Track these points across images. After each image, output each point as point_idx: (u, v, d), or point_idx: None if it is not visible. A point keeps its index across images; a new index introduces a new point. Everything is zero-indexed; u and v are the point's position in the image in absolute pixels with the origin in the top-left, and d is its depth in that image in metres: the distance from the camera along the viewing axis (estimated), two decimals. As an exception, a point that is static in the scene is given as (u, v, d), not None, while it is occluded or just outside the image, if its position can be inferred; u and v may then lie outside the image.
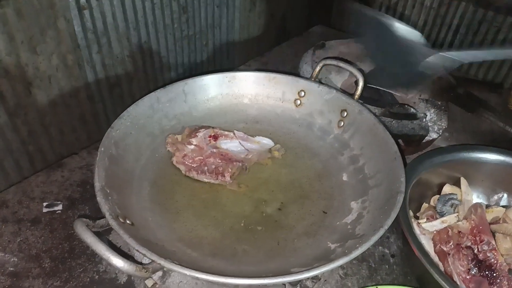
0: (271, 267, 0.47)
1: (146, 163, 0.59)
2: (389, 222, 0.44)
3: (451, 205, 0.67)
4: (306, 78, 0.69)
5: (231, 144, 0.63)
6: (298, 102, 0.68)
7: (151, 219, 0.51)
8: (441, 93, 0.96)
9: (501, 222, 0.67)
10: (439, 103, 0.94)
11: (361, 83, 0.63)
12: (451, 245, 0.59)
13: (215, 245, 0.50)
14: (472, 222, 0.62)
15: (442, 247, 0.60)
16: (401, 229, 0.56)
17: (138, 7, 0.85)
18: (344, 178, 0.59)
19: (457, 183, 0.70)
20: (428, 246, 0.61)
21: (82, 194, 0.72)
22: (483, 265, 0.56)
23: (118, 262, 0.37)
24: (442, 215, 0.65)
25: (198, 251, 0.49)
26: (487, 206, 0.70)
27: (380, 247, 0.68)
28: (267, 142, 0.64)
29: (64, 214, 0.68)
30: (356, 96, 0.64)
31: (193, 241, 0.50)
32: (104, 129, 0.75)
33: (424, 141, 0.84)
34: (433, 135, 0.86)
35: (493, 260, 0.58)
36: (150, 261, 0.40)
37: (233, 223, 0.53)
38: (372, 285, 0.49)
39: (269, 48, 1.24)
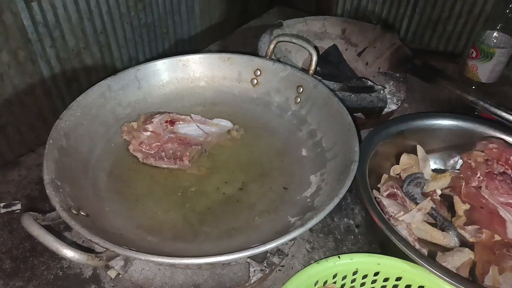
0: (233, 245, 0.47)
1: (101, 153, 0.57)
2: (344, 191, 0.45)
3: (417, 184, 0.68)
4: (261, 57, 0.68)
5: (189, 128, 0.62)
6: (255, 81, 0.68)
7: (108, 209, 0.50)
8: (399, 65, 0.97)
9: (459, 184, 0.69)
10: (398, 75, 0.95)
11: (314, 58, 0.63)
12: (479, 177, 0.58)
13: (176, 229, 0.50)
14: (493, 150, 0.61)
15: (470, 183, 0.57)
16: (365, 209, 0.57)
17: None
18: (303, 153, 0.60)
19: (414, 151, 0.72)
20: (405, 235, 0.61)
21: (41, 191, 0.70)
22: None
23: (67, 252, 0.36)
24: (409, 196, 0.66)
25: (159, 237, 0.48)
26: (444, 171, 0.72)
27: (345, 219, 0.70)
28: (225, 123, 0.64)
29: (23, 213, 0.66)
30: (311, 71, 0.64)
31: (154, 227, 0.50)
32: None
33: (384, 113, 0.86)
34: (392, 107, 0.87)
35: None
36: (104, 249, 0.39)
37: (194, 206, 0.53)
38: (334, 255, 0.50)
39: (231, 31, 1.22)
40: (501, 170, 0.58)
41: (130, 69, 0.64)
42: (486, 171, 0.58)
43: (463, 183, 0.61)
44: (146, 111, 0.65)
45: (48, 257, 0.61)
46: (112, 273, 0.51)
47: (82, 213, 0.45)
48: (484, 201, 0.58)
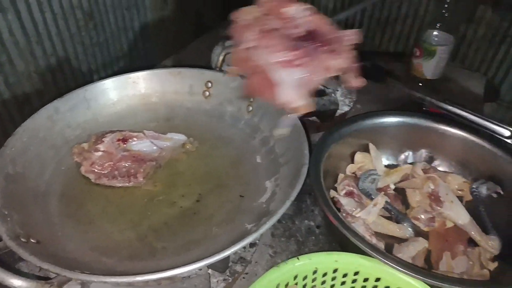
0: (191, 258, 0.47)
1: (51, 177, 0.56)
2: (295, 194, 0.46)
3: (372, 181, 0.71)
4: (211, 69, 0.69)
5: (142, 145, 0.62)
6: (207, 93, 0.69)
7: (61, 233, 0.49)
8: (349, 67, 1.01)
9: (410, 178, 0.72)
10: (349, 77, 0.99)
11: (263, 66, 0.65)
12: (252, 36, 0.44)
13: (132, 247, 0.50)
14: (268, 4, 0.46)
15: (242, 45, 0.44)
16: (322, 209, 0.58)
17: (38, 19, 0.81)
18: (258, 160, 0.61)
19: (367, 150, 0.74)
20: (362, 231, 0.61)
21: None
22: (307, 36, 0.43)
23: (15, 281, 0.36)
24: (365, 193, 0.68)
25: (114, 257, 0.48)
26: (396, 166, 0.76)
27: (306, 221, 0.71)
28: (179, 137, 0.64)
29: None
30: (260, 80, 0.65)
31: (109, 248, 0.49)
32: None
33: (337, 114, 0.89)
34: (345, 108, 0.90)
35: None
36: (55, 275, 0.38)
37: (150, 223, 0.53)
38: (293, 257, 0.51)
39: (186, 44, 1.23)
40: (278, 26, 0.44)
41: (78, 89, 0.64)
42: (260, 28, 0.44)
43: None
44: (97, 130, 0.64)
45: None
46: (70, 298, 0.50)
47: (32, 240, 0.44)
48: (255, 64, 0.45)
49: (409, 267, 0.51)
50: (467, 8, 1.16)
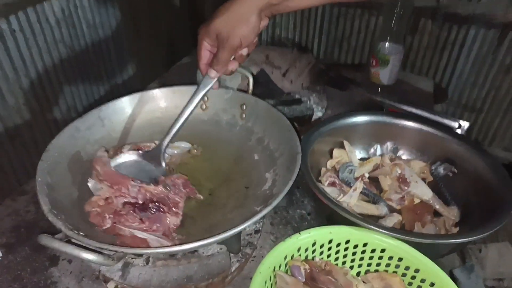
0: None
1: (80, 185, 0.64)
2: (294, 176, 0.57)
3: (350, 171, 0.83)
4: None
5: (154, 153, 0.71)
6: (204, 106, 0.79)
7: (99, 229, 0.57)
8: (317, 79, 1.15)
9: (380, 167, 0.85)
10: (318, 87, 1.13)
11: (251, 80, 0.77)
12: (109, 218, 0.57)
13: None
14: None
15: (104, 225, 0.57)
16: (310, 189, 0.69)
17: (25, 55, 0.88)
18: (256, 157, 0.72)
19: (342, 146, 0.86)
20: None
21: (18, 238, 0.74)
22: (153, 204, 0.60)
23: (87, 255, 0.43)
24: (345, 182, 0.80)
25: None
26: (368, 158, 0.88)
27: (298, 210, 0.82)
28: (185, 145, 0.74)
29: (5, 259, 0.69)
30: (249, 91, 0.77)
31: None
32: (12, 180, 0.76)
33: (313, 119, 1.01)
34: (318, 114, 1.03)
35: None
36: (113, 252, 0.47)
37: (173, 216, 0.62)
38: (296, 233, 0.61)
39: (164, 70, 1.33)
40: (123, 201, 0.60)
41: (94, 110, 0.72)
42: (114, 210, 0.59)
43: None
44: (111, 145, 0.72)
45: (38, 293, 0.65)
46: (111, 285, 0.58)
47: (81, 233, 0.52)
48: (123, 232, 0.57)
49: (391, 230, 0.62)
50: (410, 21, 1.35)
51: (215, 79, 0.63)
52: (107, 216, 0.56)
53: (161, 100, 0.79)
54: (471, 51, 1.51)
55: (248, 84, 0.77)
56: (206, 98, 0.79)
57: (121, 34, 1.29)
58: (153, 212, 0.58)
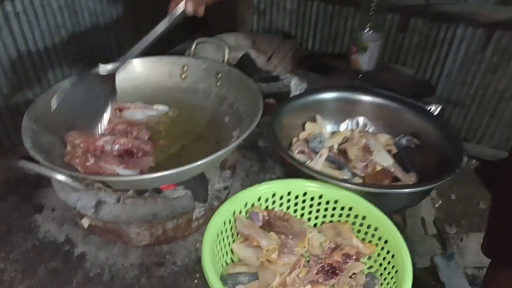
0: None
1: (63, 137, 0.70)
2: (252, 126, 0.63)
3: (319, 141, 0.89)
4: (186, 56, 0.87)
5: (133, 114, 0.78)
6: (183, 75, 0.86)
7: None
8: (299, 63, 1.22)
9: (349, 140, 0.91)
10: (300, 71, 1.19)
11: (226, 51, 0.83)
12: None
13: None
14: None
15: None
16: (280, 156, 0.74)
17: (28, 37, 0.95)
18: (226, 119, 0.78)
19: (315, 120, 0.93)
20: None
21: (8, 189, 0.81)
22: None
23: (59, 176, 0.50)
24: (314, 151, 0.86)
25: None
26: (336, 132, 0.94)
27: (268, 175, 0.88)
28: (162, 108, 0.81)
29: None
30: (225, 61, 0.84)
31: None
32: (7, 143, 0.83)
33: (291, 97, 1.07)
34: (297, 93, 1.10)
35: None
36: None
37: (145, 164, 0.68)
38: (257, 184, 0.67)
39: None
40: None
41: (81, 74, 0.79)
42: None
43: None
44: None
45: (24, 233, 0.72)
46: (85, 222, 0.64)
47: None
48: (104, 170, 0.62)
49: (343, 181, 0.68)
50: (386, 11, 1.41)
51: (189, 11, 0.72)
52: (89, 155, 0.62)
53: (144, 68, 0.86)
54: (459, 49, 1.57)
55: (223, 54, 0.83)
56: (185, 68, 0.86)
57: (121, 24, 1.36)
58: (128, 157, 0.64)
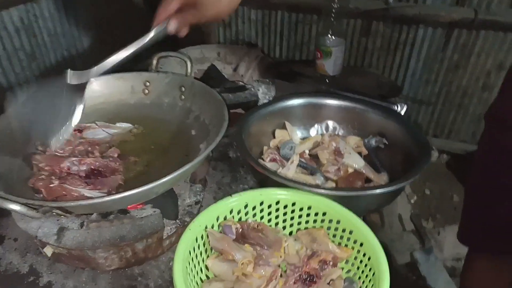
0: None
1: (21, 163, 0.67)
2: (218, 138, 0.62)
3: (290, 148, 0.88)
4: (147, 71, 0.85)
5: (95, 133, 0.75)
6: (146, 91, 0.84)
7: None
8: (266, 71, 1.22)
9: (320, 144, 0.91)
10: (267, 80, 1.19)
11: (189, 64, 0.82)
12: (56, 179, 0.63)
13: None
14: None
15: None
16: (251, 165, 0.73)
17: None
18: (193, 132, 0.77)
19: (285, 127, 0.92)
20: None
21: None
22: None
23: (13, 206, 0.47)
24: (285, 158, 0.85)
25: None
26: (306, 137, 0.94)
27: (241, 185, 0.86)
28: (126, 125, 0.78)
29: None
30: (188, 74, 0.82)
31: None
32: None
33: (259, 105, 1.07)
34: (265, 101, 1.09)
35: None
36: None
37: (110, 184, 0.66)
38: (228, 196, 0.66)
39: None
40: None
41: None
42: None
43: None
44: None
45: (-17, 265, 0.67)
46: (48, 251, 0.61)
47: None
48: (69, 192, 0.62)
49: (315, 186, 0.67)
50: (346, 18, 1.44)
51: (171, 30, 0.68)
52: (54, 178, 0.59)
53: (105, 86, 0.83)
54: (421, 49, 1.62)
55: (186, 67, 0.82)
56: (148, 83, 0.84)
57: (84, 44, 1.33)
58: (96, 178, 0.62)
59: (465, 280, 0.95)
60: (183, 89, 0.81)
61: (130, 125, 0.79)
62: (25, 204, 0.47)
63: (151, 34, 0.69)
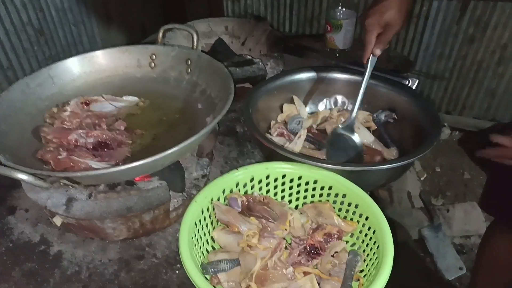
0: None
1: (30, 137, 0.68)
2: (224, 111, 0.61)
3: (297, 123, 0.88)
4: (154, 44, 0.84)
5: (102, 106, 0.75)
6: (152, 64, 0.83)
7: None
8: (274, 45, 1.20)
9: (328, 119, 0.90)
10: (275, 54, 1.17)
11: (195, 36, 0.81)
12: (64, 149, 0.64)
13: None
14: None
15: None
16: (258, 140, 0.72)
17: None
18: (199, 106, 0.76)
19: (293, 102, 0.91)
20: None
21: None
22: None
23: (21, 175, 0.47)
24: (293, 132, 0.85)
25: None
26: (314, 112, 0.92)
27: (247, 159, 0.87)
28: (132, 99, 0.78)
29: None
30: (194, 47, 0.81)
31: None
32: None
33: (266, 79, 1.05)
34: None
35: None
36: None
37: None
38: (234, 169, 0.66)
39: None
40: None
41: (43, 68, 0.76)
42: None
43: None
44: (64, 101, 0.76)
45: (-4, 236, 0.70)
46: (57, 221, 0.62)
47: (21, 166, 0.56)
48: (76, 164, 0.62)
49: (321, 161, 0.67)
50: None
51: (377, 54, 0.76)
52: (62, 150, 0.60)
53: (111, 59, 0.83)
54: (435, 23, 1.56)
55: (192, 40, 0.81)
56: (154, 56, 0.83)
57: (92, 19, 1.32)
58: (103, 150, 0.62)
59: (482, 256, 0.93)
60: (189, 62, 0.80)
61: (137, 98, 0.78)
62: (33, 174, 0.48)
63: (368, 68, 0.77)
